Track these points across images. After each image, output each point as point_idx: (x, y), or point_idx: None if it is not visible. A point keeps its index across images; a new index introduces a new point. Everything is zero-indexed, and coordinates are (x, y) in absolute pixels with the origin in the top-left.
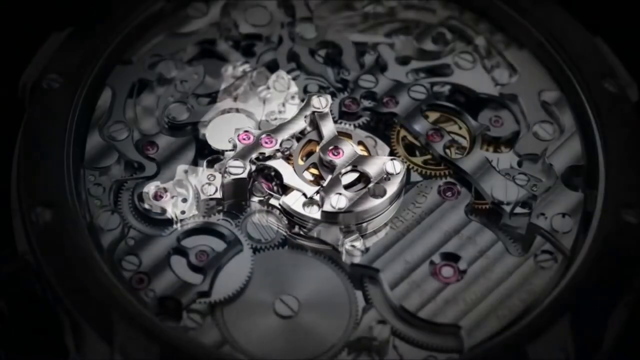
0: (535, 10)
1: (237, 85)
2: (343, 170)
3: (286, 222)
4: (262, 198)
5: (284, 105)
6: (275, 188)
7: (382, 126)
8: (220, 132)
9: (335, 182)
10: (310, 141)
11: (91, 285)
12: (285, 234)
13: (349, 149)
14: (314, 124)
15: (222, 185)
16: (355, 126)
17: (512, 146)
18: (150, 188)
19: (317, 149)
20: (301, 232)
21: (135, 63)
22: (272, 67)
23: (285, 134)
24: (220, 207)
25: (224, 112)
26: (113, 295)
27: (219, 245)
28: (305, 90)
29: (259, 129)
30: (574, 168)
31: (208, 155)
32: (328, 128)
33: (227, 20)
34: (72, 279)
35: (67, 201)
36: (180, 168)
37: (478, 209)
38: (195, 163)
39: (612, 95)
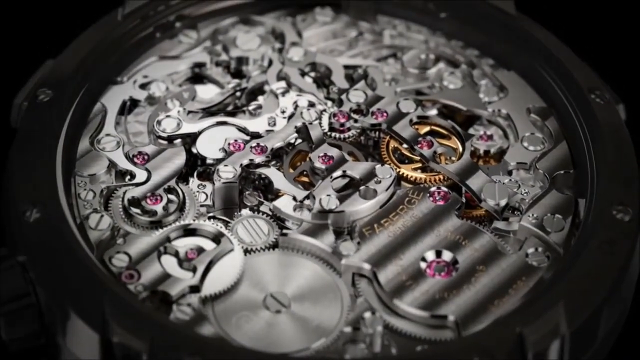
0: (522, 34)
1: (227, 102)
2: (334, 175)
3: (277, 225)
4: (252, 205)
5: (274, 119)
6: (265, 195)
7: (371, 143)
8: (211, 143)
9: (326, 185)
10: (299, 152)
11: (82, 279)
12: (275, 236)
13: (339, 156)
14: (304, 135)
15: (213, 191)
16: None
17: (501, 159)
18: (141, 193)
19: (308, 156)
20: (292, 234)
21: (126, 83)
22: (262, 86)
23: (275, 144)
24: (211, 214)
25: (215, 124)
26: (104, 288)
27: (209, 245)
28: (295, 106)
29: (250, 139)
30: (565, 174)
31: (199, 165)
32: (317, 137)
33: (216, 44)
34: (62, 273)
35: (57, 201)
36: (172, 175)
37: (469, 216)
38: (186, 173)
39: (600, 106)
